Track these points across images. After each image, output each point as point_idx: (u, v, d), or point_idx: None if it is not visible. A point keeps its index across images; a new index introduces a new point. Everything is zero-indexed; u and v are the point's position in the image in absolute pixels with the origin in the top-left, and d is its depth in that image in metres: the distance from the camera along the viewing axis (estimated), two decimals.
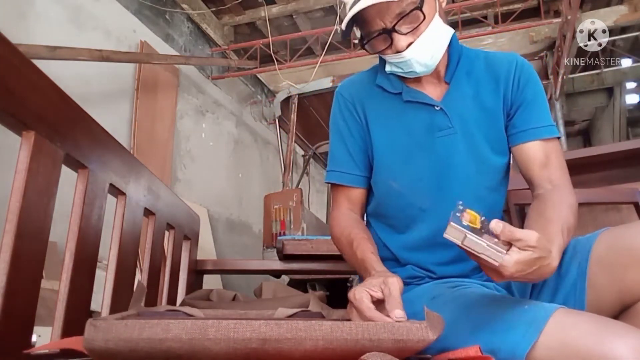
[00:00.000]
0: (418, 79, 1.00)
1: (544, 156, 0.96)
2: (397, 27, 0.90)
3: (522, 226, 0.96)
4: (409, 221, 1.01)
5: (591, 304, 0.86)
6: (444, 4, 0.97)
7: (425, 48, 0.92)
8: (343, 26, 0.92)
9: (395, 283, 0.73)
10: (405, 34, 0.90)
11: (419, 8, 0.89)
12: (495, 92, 1.00)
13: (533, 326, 0.67)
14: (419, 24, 0.90)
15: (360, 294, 0.73)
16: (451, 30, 0.97)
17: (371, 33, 0.93)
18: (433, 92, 1.00)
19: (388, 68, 0.99)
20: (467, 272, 1.00)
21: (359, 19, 0.92)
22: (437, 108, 0.98)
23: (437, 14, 0.93)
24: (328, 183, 1.07)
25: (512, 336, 0.69)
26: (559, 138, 0.98)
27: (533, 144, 0.97)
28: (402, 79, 1.01)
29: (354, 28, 0.96)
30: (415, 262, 1.01)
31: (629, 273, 0.80)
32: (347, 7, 0.92)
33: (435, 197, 0.98)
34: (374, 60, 1.08)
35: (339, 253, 1.22)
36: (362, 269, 0.89)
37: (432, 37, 0.92)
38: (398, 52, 0.92)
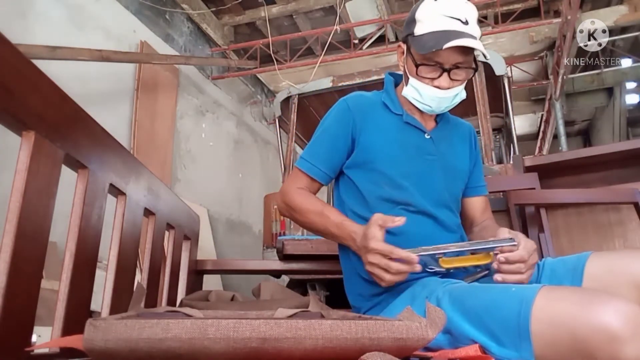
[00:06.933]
0: (418, 110, 1.18)
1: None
2: (452, 70, 1.07)
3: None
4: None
5: None
6: None
7: (450, 98, 1.11)
8: (426, 47, 1.04)
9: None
10: (452, 79, 1.08)
11: (475, 70, 1.10)
12: (464, 154, 1.25)
13: (524, 304, 0.74)
14: (462, 80, 1.10)
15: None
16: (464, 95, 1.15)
17: (432, 60, 1.07)
18: (426, 123, 1.20)
19: (407, 91, 1.15)
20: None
21: (432, 43, 1.03)
22: (427, 136, 1.18)
23: None
24: (297, 168, 1.20)
25: (507, 317, 0.75)
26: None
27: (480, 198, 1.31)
28: (403, 105, 1.19)
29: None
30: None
31: (622, 292, 0.92)
32: (431, 23, 1.05)
33: (418, 197, 1.14)
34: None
35: (337, 253, 1.22)
36: (336, 225, 1.07)
37: (458, 94, 1.12)
38: (437, 87, 1.09)
